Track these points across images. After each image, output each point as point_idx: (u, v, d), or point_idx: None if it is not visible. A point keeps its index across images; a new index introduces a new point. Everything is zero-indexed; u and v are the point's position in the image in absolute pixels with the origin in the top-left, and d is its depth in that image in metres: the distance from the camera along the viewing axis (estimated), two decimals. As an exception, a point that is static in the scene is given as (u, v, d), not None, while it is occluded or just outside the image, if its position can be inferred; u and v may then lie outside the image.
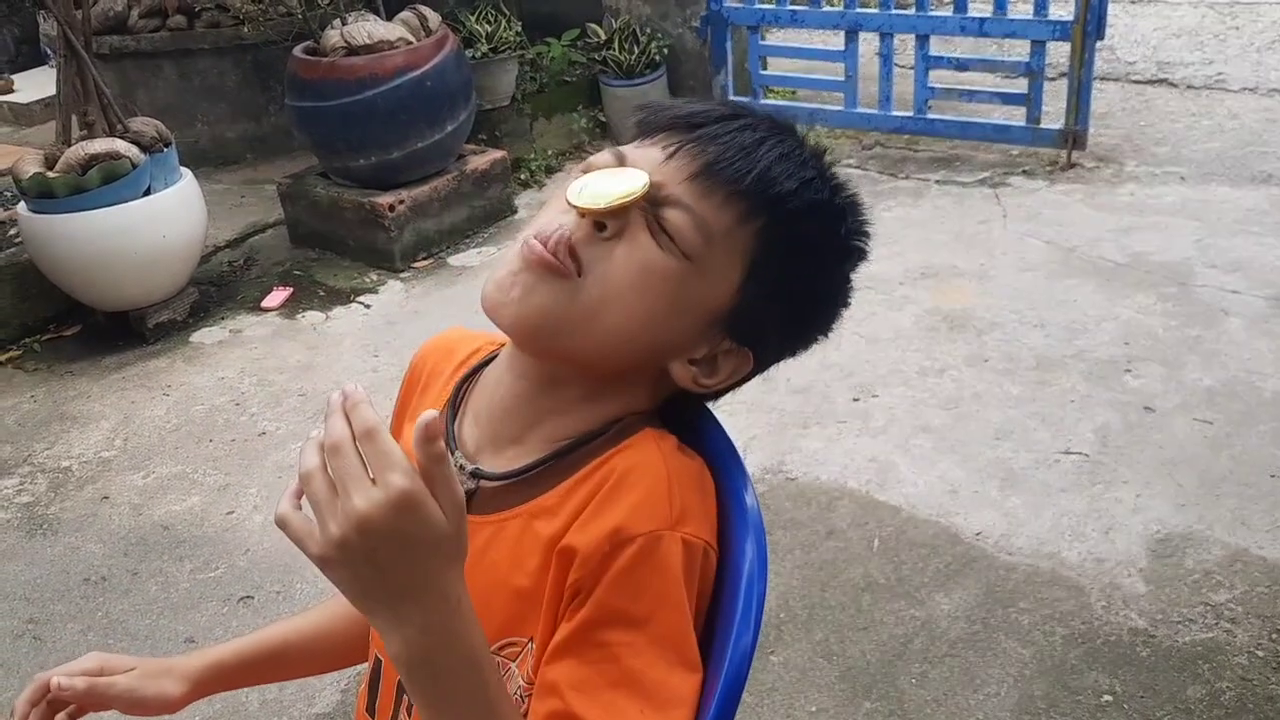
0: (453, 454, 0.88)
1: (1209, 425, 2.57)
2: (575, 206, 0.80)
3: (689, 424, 0.92)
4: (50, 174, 3.23)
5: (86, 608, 2.40)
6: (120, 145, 3.26)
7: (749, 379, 0.91)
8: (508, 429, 0.87)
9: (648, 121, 0.86)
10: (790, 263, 0.83)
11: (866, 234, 0.87)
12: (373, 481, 0.64)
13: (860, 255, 0.87)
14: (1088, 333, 2.99)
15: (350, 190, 3.82)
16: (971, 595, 2.17)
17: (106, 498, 2.75)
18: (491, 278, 0.83)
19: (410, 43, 3.69)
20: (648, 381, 0.87)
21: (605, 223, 0.80)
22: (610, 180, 0.81)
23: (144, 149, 3.31)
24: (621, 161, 0.83)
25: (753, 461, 2.55)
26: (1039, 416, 2.67)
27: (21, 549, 2.60)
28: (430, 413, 0.65)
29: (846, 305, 0.90)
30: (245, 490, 2.72)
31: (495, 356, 0.94)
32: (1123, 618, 2.08)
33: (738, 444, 0.93)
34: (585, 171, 0.84)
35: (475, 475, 0.86)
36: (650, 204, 0.80)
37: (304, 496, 0.67)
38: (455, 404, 0.93)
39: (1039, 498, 2.41)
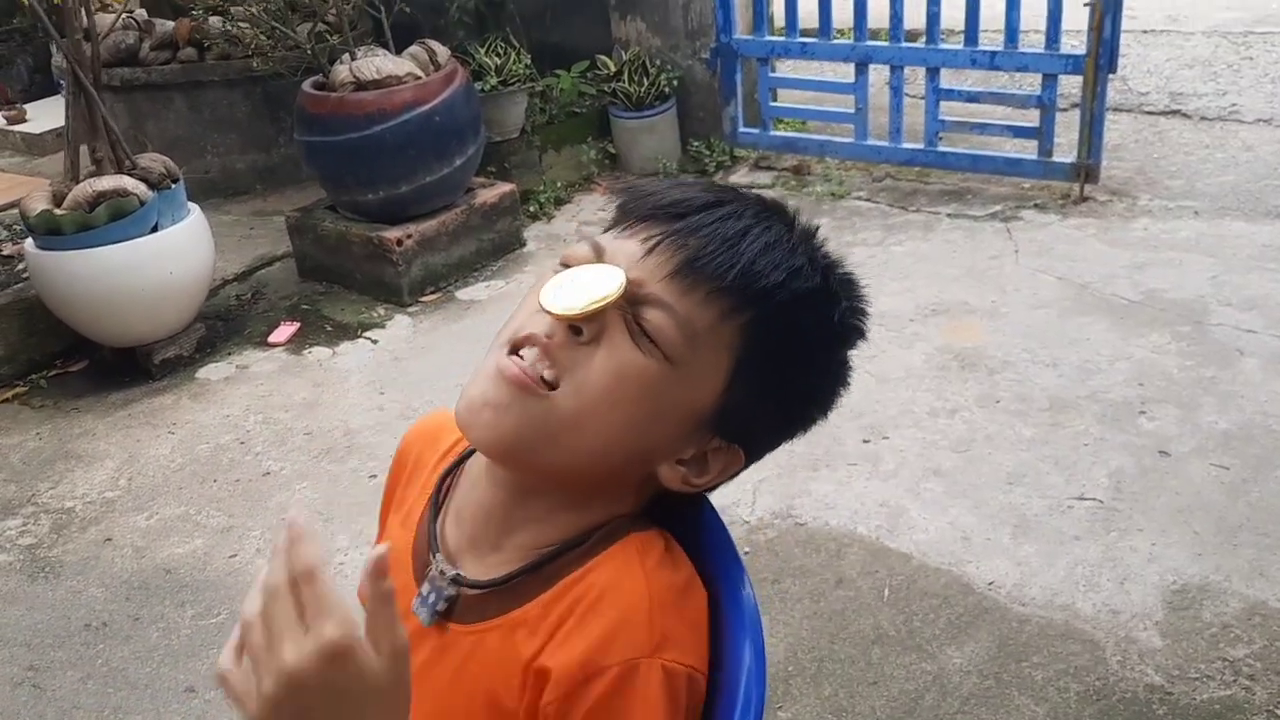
0: (434, 555, 0.86)
1: (1225, 470, 2.53)
2: (549, 312, 0.76)
3: (681, 516, 0.89)
4: (58, 211, 3.23)
5: (87, 655, 2.37)
6: (128, 182, 3.26)
7: (743, 470, 0.87)
8: (486, 535, 0.84)
9: (628, 208, 0.83)
10: (780, 356, 0.80)
11: (864, 312, 0.83)
12: (305, 631, 0.61)
13: (859, 334, 0.83)
14: (1101, 373, 2.95)
15: (358, 224, 3.82)
16: (984, 648, 2.12)
17: (109, 540, 2.74)
18: (465, 393, 0.79)
19: (419, 77, 3.69)
20: (632, 485, 0.84)
21: (581, 327, 0.76)
22: (586, 279, 0.77)
23: (152, 185, 3.31)
24: (599, 255, 0.79)
25: (761, 505, 2.52)
26: (1052, 460, 2.63)
27: (23, 593, 2.59)
28: (381, 547, 0.63)
29: (846, 385, 0.86)
30: (249, 533, 2.70)
31: None
32: (1139, 673, 2.04)
33: (746, 487, 0.92)
34: (563, 265, 0.81)
35: (456, 582, 0.84)
36: (629, 303, 0.76)
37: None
38: (438, 499, 0.90)
39: (1052, 546, 2.37)
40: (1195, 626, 2.13)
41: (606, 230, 0.84)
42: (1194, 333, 3.08)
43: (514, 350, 0.78)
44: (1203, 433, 2.66)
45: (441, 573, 0.84)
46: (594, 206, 4.41)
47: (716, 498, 0.90)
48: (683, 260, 0.76)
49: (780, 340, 0.79)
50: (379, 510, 1.03)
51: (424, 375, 3.33)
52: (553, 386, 0.76)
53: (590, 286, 0.76)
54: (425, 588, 0.85)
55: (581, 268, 0.79)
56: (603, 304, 0.75)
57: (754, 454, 0.85)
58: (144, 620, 2.46)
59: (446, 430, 0.95)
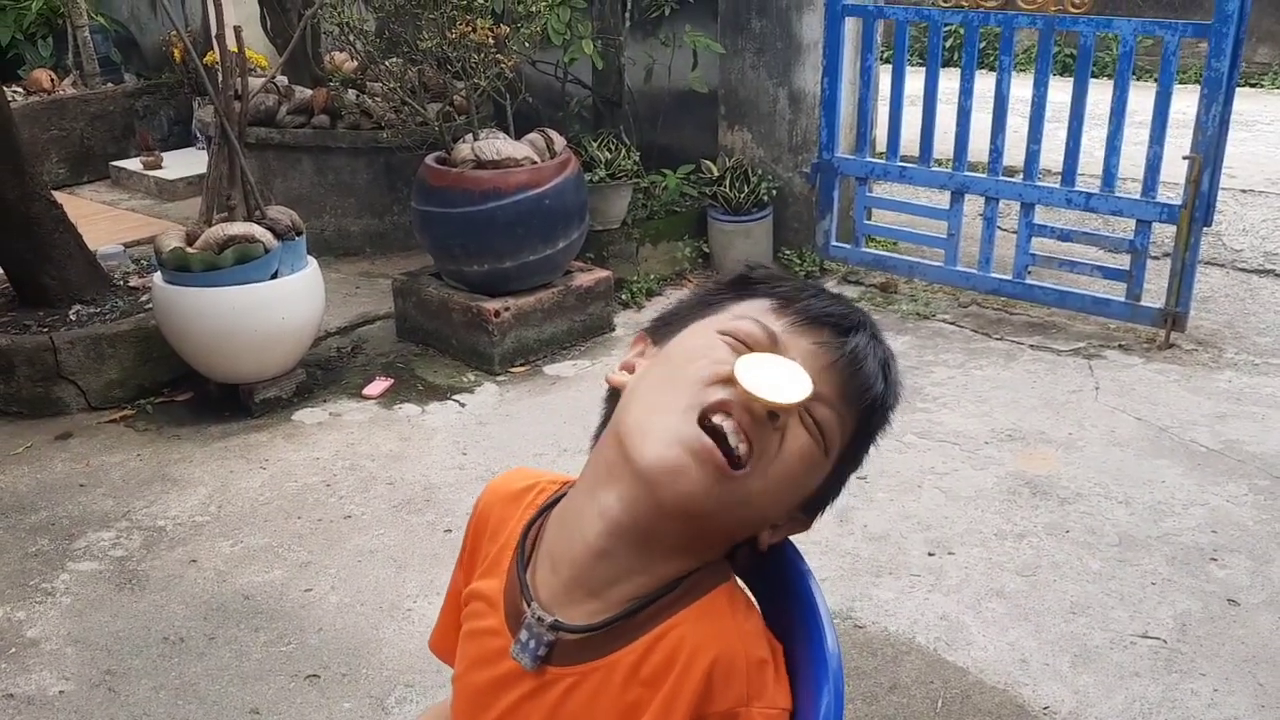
0: (529, 605, 0.92)
1: (1295, 626, 2.51)
2: (760, 399, 0.82)
3: (761, 560, 0.97)
4: (189, 250, 3.46)
5: (162, 666, 2.48)
6: (257, 230, 3.49)
7: None
8: (586, 584, 0.90)
9: (792, 304, 0.90)
10: (861, 453, 0.94)
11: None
12: None
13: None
14: (1174, 515, 2.95)
15: (460, 293, 4.00)
16: (1033, 771, 2.12)
17: (195, 561, 2.87)
18: (658, 451, 0.83)
19: (535, 162, 3.90)
20: (734, 542, 0.93)
21: (780, 414, 0.84)
22: (776, 370, 0.85)
23: (278, 235, 3.54)
24: (773, 341, 0.88)
25: (822, 604, 2.55)
26: (1117, 595, 2.63)
27: (109, 600, 2.72)
28: None
29: None
30: (325, 570, 2.81)
31: (560, 497, 0.97)
32: (1191, 816, 2.02)
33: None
34: (730, 336, 0.87)
35: (555, 628, 0.90)
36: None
37: None
38: (523, 548, 0.96)
39: (1112, 679, 2.36)
40: (1253, 777, 2.10)
41: (731, 295, 0.94)
42: (1273, 487, 3.07)
43: (705, 417, 0.83)
44: (1275, 586, 2.65)
45: (539, 619, 0.90)
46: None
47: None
48: (853, 378, 0.88)
49: (869, 439, 0.94)
50: (455, 563, 1.09)
51: (505, 441, 3.46)
52: (741, 463, 0.84)
53: (782, 377, 0.84)
54: (524, 634, 0.91)
55: (770, 358, 0.86)
56: (804, 401, 0.84)
57: (814, 520, 0.97)
58: (219, 640, 2.56)
59: (524, 488, 1.04)
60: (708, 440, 0.82)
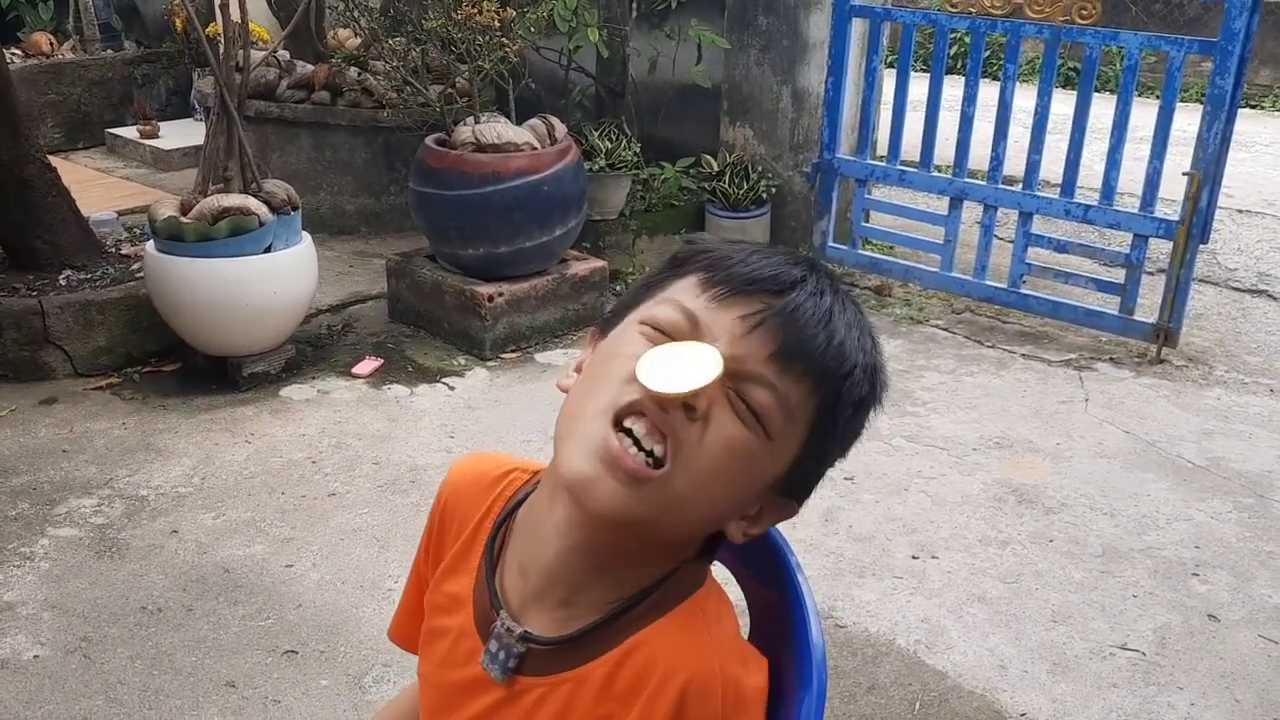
0: (499, 612, 0.89)
1: (1274, 645, 2.51)
2: (654, 392, 0.77)
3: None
4: (183, 220, 3.43)
5: (139, 635, 2.47)
6: (252, 203, 3.46)
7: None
8: (556, 591, 0.87)
9: (719, 274, 0.83)
10: (842, 425, 0.85)
11: (887, 384, 0.89)
12: None
13: (880, 403, 0.88)
14: (1158, 529, 2.96)
15: (454, 276, 3.98)
16: (1008, 777, 2.13)
17: (176, 532, 2.85)
18: (573, 463, 0.80)
19: (535, 148, 3.89)
20: (701, 539, 0.89)
21: (694, 405, 0.78)
22: (684, 355, 0.79)
23: (273, 209, 3.51)
24: (693, 323, 0.81)
25: (803, 602, 2.55)
26: (1098, 606, 2.64)
27: (88, 568, 2.70)
28: None
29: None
30: (307, 546, 2.80)
31: (529, 493, 0.94)
32: (1162, 828, 2.02)
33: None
34: (650, 325, 0.82)
35: (524, 639, 0.87)
36: (731, 379, 0.79)
37: None
38: (491, 548, 0.93)
39: (1089, 689, 2.37)
40: (1225, 792, 2.11)
41: (667, 275, 0.87)
42: (1257, 505, 3.08)
43: (619, 420, 0.79)
44: (1255, 603, 2.66)
45: (509, 630, 0.88)
46: (677, 295, 4.53)
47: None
48: (784, 341, 0.80)
49: (846, 411, 0.84)
50: (415, 554, 1.06)
51: (493, 426, 3.44)
52: (661, 462, 0.79)
53: (690, 365, 0.78)
54: (493, 645, 0.89)
55: (682, 345, 0.80)
56: (705, 386, 0.77)
57: (801, 503, 0.90)
58: (197, 612, 2.55)
59: (494, 478, 0.99)
60: (614, 443, 0.78)
